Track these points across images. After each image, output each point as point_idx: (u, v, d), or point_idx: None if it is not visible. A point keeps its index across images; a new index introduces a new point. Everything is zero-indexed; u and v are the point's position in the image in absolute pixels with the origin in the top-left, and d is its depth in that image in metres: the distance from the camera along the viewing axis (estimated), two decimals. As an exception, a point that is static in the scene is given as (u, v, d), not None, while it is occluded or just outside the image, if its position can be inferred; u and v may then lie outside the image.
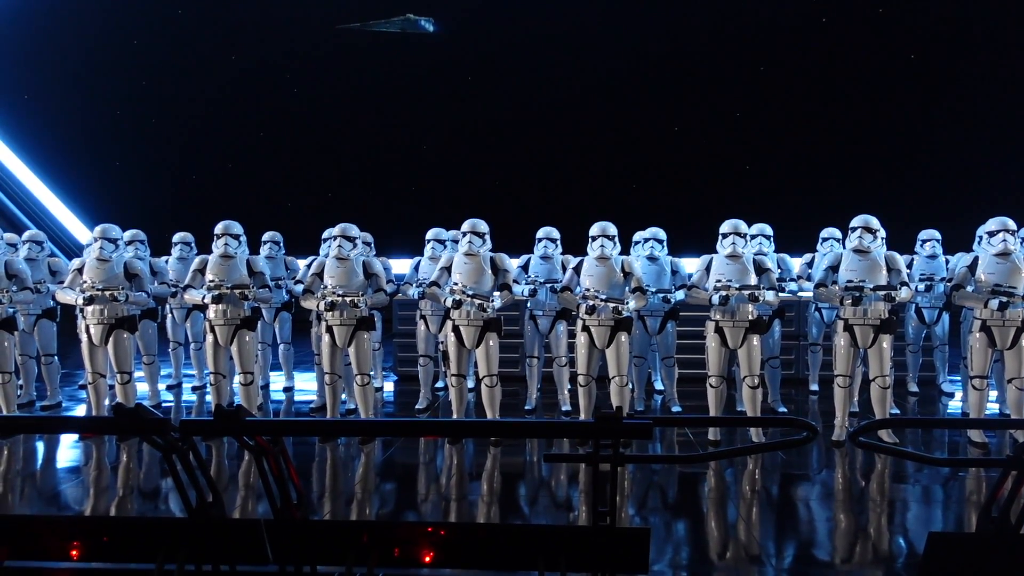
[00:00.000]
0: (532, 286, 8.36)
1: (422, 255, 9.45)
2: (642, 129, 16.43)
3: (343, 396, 8.24)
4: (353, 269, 7.61)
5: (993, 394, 8.21)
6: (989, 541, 3.47)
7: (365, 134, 16.93)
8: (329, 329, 7.61)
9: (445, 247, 9.26)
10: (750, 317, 7.33)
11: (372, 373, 8.72)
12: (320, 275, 7.71)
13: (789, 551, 5.09)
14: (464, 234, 7.58)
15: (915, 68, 15.89)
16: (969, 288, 7.30)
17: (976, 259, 7.34)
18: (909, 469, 6.57)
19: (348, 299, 7.43)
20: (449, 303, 7.37)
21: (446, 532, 3.80)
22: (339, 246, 7.60)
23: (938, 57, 15.73)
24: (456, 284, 7.41)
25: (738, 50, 16.18)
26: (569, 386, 8.78)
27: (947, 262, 8.84)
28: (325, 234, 9.01)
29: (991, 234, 7.28)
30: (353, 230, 7.71)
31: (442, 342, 8.66)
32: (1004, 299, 6.98)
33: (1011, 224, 7.24)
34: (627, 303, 7.29)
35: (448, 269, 7.63)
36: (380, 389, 9.97)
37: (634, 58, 16.30)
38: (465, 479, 6.66)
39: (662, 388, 9.26)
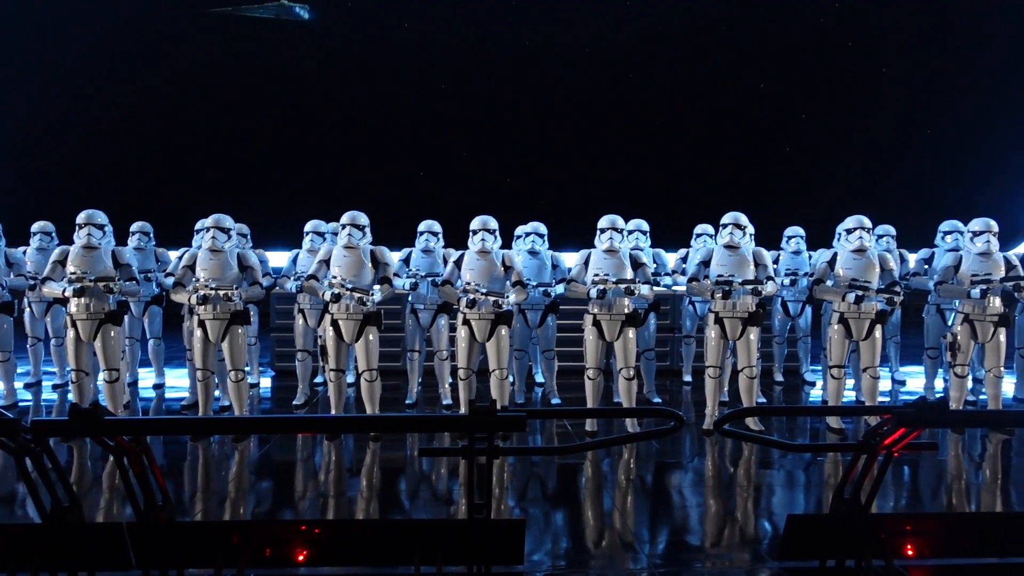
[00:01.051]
0: (413, 280, 8.31)
1: (300, 248, 9.24)
2: (520, 123, 16.57)
3: (217, 393, 7.97)
4: (227, 261, 7.37)
5: (850, 383, 8.70)
6: (842, 520, 3.68)
7: (241, 122, 16.41)
8: (201, 324, 7.35)
9: (324, 240, 9.10)
10: (626, 310, 7.51)
11: (248, 369, 8.47)
12: (192, 267, 7.43)
13: (662, 537, 5.25)
14: (343, 226, 7.45)
15: (782, 71, 16.63)
16: (828, 282, 7.71)
17: (835, 255, 7.76)
18: (774, 455, 6.89)
19: (222, 292, 7.19)
20: (328, 297, 7.24)
21: (320, 530, 3.74)
22: (212, 237, 7.34)
23: (802, 61, 16.52)
24: (335, 277, 7.29)
25: (616, 49, 16.53)
26: (450, 380, 8.78)
27: (810, 258, 9.29)
28: (198, 225, 8.70)
29: (849, 231, 7.71)
30: (227, 221, 7.46)
31: (321, 336, 8.50)
32: (860, 293, 7.41)
33: (867, 222, 7.69)
34: (508, 297, 7.34)
35: (327, 262, 7.49)
36: (256, 385, 9.70)
37: (506, 50, 16.41)
38: (344, 475, 6.56)
39: (542, 381, 9.38)
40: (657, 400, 8.96)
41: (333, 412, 7.44)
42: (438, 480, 6.40)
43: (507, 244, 8.59)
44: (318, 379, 9.70)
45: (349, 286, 7.21)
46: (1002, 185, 16.09)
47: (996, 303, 7.65)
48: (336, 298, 7.20)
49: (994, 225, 7.81)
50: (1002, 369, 7.82)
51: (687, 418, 8.25)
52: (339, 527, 4.11)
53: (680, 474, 6.60)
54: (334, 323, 7.36)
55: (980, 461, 7.04)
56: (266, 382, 10.16)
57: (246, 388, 7.56)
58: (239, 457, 6.93)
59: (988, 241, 7.71)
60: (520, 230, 8.89)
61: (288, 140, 16.61)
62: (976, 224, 7.88)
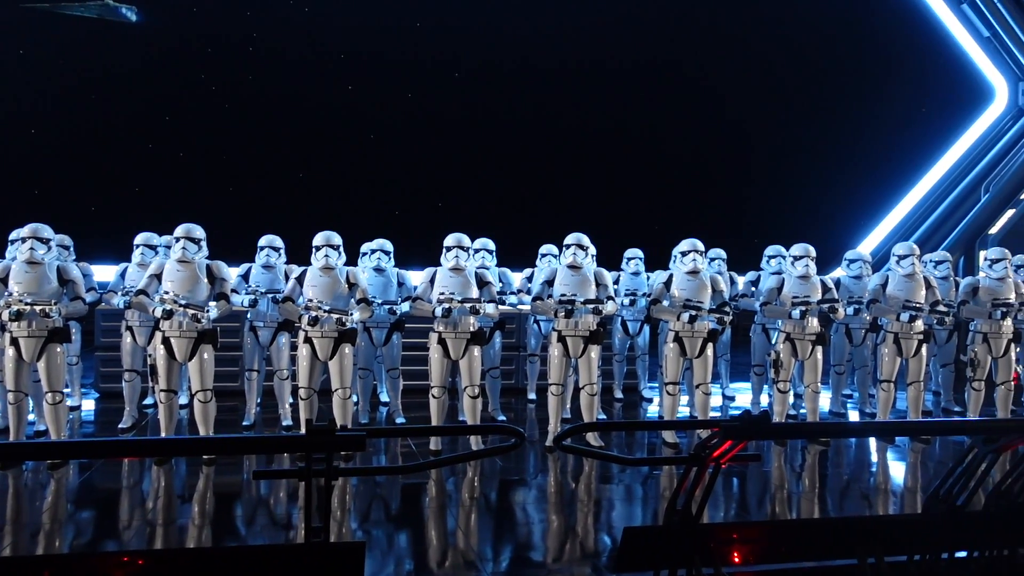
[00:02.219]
0: (252, 296, 8.02)
1: (130, 261, 8.73)
2: (365, 138, 16.39)
3: (32, 416, 7.37)
4: (45, 275, 6.86)
5: (685, 399, 9.08)
6: (674, 531, 3.81)
7: (70, 124, 15.35)
8: (14, 341, 6.79)
9: (156, 253, 8.63)
10: (472, 329, 7.54)
11: (67, 390, 7.90)
12: (4, 281, 6.86)
13: (505, 554, 5.27)
14: (177, 239, 7.10)
15: (620, 97, 17.29)
16: (665, 302, 8.03)
17: (671, 276, 8.10)
18: (614, 470, 7.08)
19: (38, 308, 6.67)
20: (159, 313, 6.86)
21: (145, 561, 3.51)
22: (30, 249, 6.81)
23: (639, 87, 17.23)
24: (167, 293, 6.91)
25: (456, 68, 16.67)
26: (291, 400, 8.51)
27: (648, 278, 9.66)
28: (13, 235, 8.05)
29: (684, 254, 8.07)
30: (46, 231, 6.95)
31: (151, 355, 8.03)
32: (693, 313, 7.77)
33: (700, 245, 8.08)
34: (352, 314, 7.21)
35: (158, 276, 7.11)
36: (77, 408, 9.04)
37: (345, 65, 16.23)
38: (174, 502, 6.21)
39: (387, 400, 9.25)
40: (502, 418, 9.02)
41: (163, 435, 7.04)
42: (276, 504, 6.17)
43: (352, 261, 8.45)
44: (147, 400, 9.16)
45: (182, 302, 6.86)
46: (821, 213, 17.34)
47: (814, 323, 8.21)
48: (168, 315, 6.84)
49: (812, 250, 8.38)
50: (819, 385, 8.39)
51: (530, 435, 8.35)
52: (166, 557, 3.87)
53: (523, 491, 6.66)
54: (165, 341, 6.98)
55: (800, 471, 7.51)
56: (89, 404, 9.49)
57: (64, 411, 7.03)
58: (55, 486, 6.43)
59: (807, 265, 8.27)
60: (366, 247, 8.76)
61: (117, 146, 15.66)
62: (796, 249, 8.44)
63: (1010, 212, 16.89)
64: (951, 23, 19.36)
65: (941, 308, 8.37)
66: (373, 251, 8.53)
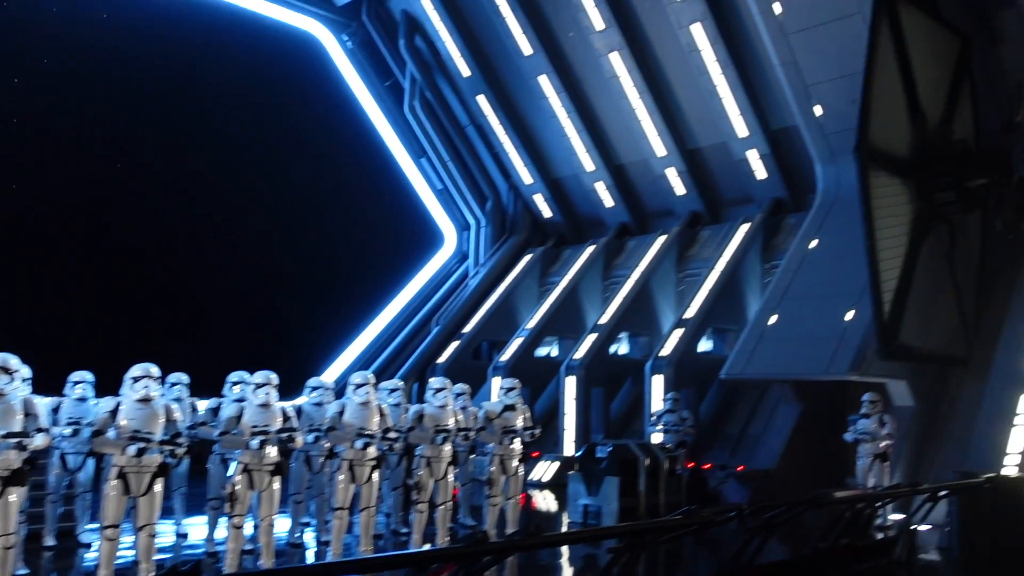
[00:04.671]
0: None
1: None
2: None
3: None
4: None
5: (130, 538, 8.04)
6: None
7: None
8: None
9: None
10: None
11: None
12: None
13: None
14: None
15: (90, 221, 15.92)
16: (110, 433, 7.20)
17: (119, 404, 7.33)
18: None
19: None
20: None
21: None
22: None
23: (93, 196, 16.08)
24: None
25: None
26: None
27: (95, 405, 8.67)
28: None
29: (135, 379, 7.38)
30: None
31: None
32: (142, 445, 7.08)
33: (155, 371, 7.48)
34: None
35: None
36: None
37: None
38: None
39: None
40: None
41: None
42: None
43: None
44: None
45: None
46: (288, 340, 17.68)
47: (272, 452, 8.06)
48: None
49: (274, 378, 8.33)
50: (274, 518, 8.13)
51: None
52: None
53: None
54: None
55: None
56: None
57: None
58: None
59: (268, 393, 8.17)
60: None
61: None
62: (258, 376, 8.31)
63: (455, 343, 19.09)
64: (412, 174, 21.86)
65: (392, 435, 8.88)
66: None
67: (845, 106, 13.56)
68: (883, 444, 11.11)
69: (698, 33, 16.33)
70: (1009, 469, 10.23)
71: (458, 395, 10.26)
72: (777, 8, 13.73)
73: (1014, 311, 12.08)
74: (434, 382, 9.74)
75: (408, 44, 20.23)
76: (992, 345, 12.06)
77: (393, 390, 10.31)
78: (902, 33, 11.76)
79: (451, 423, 9.53)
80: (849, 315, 12.53)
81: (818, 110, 14.45)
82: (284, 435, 8.02)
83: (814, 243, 14.44)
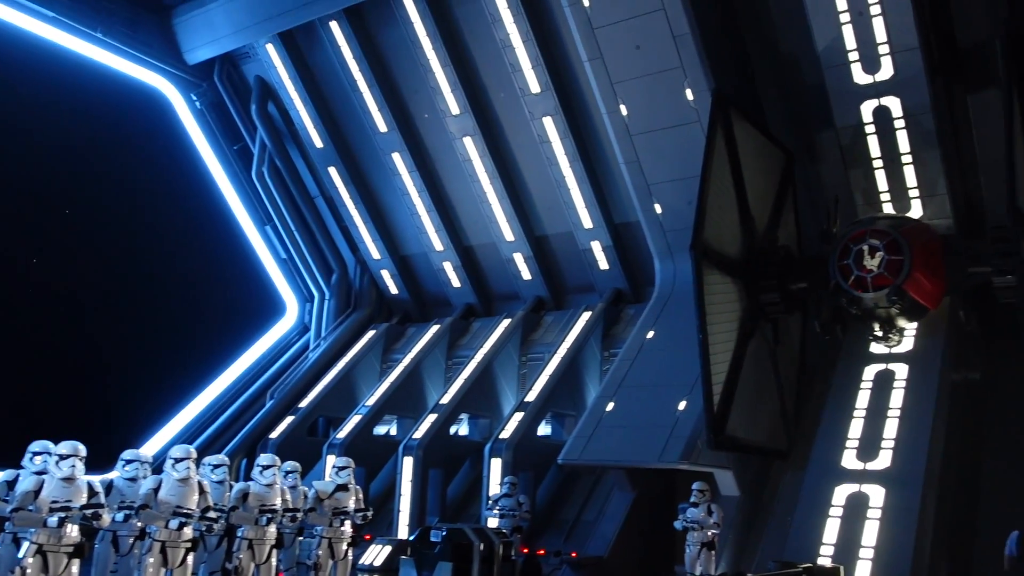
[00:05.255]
0: None
1: None
2: None
3: None
4: None
5: None
6: None
7: None
8: None
9: None
10: None
11: None
12: None
13: None
14: None
15: None
16: None
17: None
18: None
19: None
20: None
21: None
22: None
23: None
24: None
25: None
26: None
27: None
28: None
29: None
30: None
31: None
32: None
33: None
34: None
35: None
36: None
37: None
38: None
39: None
40: None
41: None
42: None
43: None
44: None
45: None
46: (102, 409, 16.42)
47: (73, 532, 7.33)
48: None
49: (81, 449, 7.65)
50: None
51: None
52: None
53: None
54: None
55: None
56: None
57: None
58: None
59: (73, 466, 7.48)
60: None
61: None
62: (63, 447, 7.61)
63: (290, 418, 18.30)
64: (256, 241, 21.20)
65: (212, 514, 8.32)
66: None
67: (683, 206, 14.37)
68: (711, 533, 11.41)
69: (549, 126, 16.96)
70: (824, 559, 10.70)
71: (287, 473, 9.80)
72: (624, 110, 14.47)
73: (829, 407, 12.85)
74: (262, 459, 9.27)
75: (260, 110, 19.88)
76: (810, 439, 12.75)
77: (217, 466, 9.69)
78: (735, 144, 12.64)
79: (278, 502, 9.05)
80: (682, 405, 12.97)
81: (658, 208, 15.22)
82: (89, 512, 7.32)
83: (651, 334, 14.97)
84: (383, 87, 18.34)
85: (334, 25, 18.11)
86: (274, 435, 17.82)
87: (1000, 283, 11.68)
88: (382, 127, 18.75)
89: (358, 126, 19.22)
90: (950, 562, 11.68)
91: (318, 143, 19.81)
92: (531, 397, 16.09)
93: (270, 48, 18.99)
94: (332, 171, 20.01)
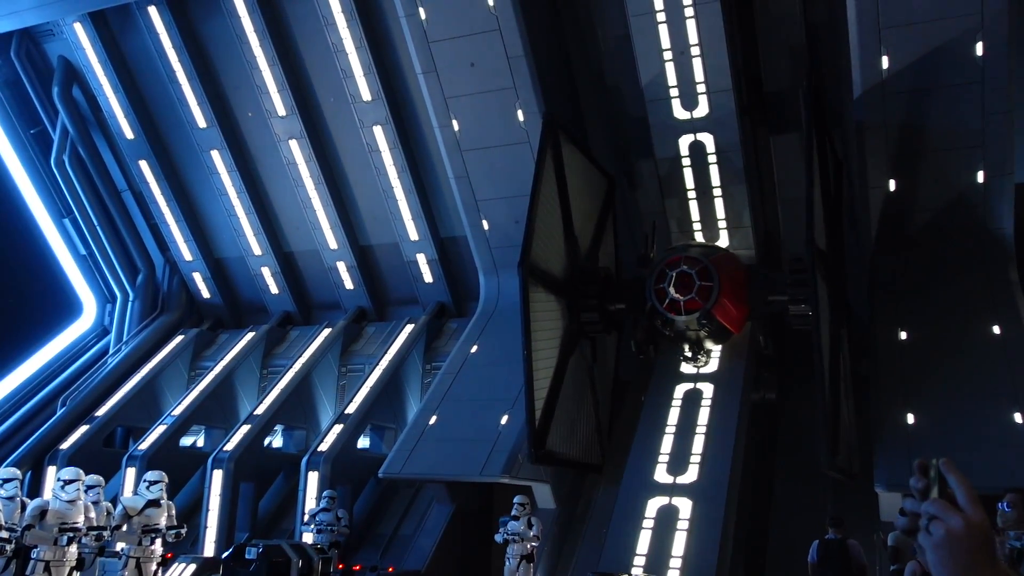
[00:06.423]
0: None
1: None
2: None
3: None
4: None
5: None
6: None
7: None
8: None
9: None
10: None
11: None
12: None
13: None
14: None
15: None
16: None
17: None
18: None
19: None
20: None
21: None
22: None
23: None
24: None
25: None
26: None
27: None
28: None
29: None
30: None
31: None
32: None
33: None
34: None
35: None
36: None
37: None
38: None
39: None
40: None
41: None
42: None
43: None
44: None
45: None
46: None
47: None
48: None
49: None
50: None
51: None
52: None
53: None
54: None
55: None
56: None
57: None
58: None
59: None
60: None
61: None
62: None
63: (84, 428, 16.92)
64: (51, 234, 19.53)
65: (3, 534, 7.58)
66: None
67: (510, 224, 14.68)
68: (531, 545, 11.66)
69: (379, 135, 16.81)
70: (637, 569, 11.21)
71: (89, 488, 9.10)
72: (455, 125, 14.61)
73: (643, 423, 13.51)
74: (65, 472, 8.54)
75: (63, 93, 18.37)
76: (624, 453, 13.34)
77: (7, 480, 8.85)
78: (563, 167, 13.08)
79: (81, 520, 8.37)
80: (504, 419, 13.19)
81: (485, 224, 15.46)
82: None
83: (474, 348, 15.14)
84: (204, 81, 17.46)
85: (152, 10, 17.04)
86: (65, 446, 16.36)
87: (795, 311, 12.75)
88: (201, 122, 17.85)
89: (175, 119, 18.19)
90: (746, 570, 12.58)
91: (128, 134, 18.53)
92: (351, 409, 15.80)
93: (78, 27, 17.58)
94: (143, 164, 18.78)
